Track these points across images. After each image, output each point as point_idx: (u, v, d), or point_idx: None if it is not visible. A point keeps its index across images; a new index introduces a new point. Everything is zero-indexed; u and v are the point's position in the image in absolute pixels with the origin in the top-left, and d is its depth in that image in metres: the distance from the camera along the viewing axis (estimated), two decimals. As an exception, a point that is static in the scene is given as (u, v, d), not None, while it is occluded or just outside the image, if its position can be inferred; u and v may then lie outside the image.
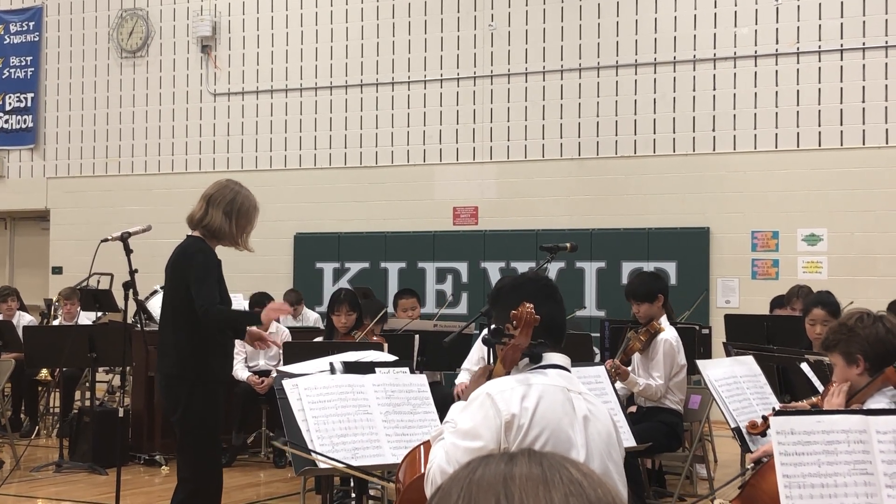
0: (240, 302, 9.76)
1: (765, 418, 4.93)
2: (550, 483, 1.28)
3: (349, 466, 4.58)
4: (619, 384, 6.84)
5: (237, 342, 9.14)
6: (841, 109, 12.01)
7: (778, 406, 5.18)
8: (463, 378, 7.11)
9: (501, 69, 13.47)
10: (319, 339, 8.15)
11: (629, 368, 6.98)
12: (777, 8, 12.30)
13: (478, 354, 7.10)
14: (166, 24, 15.41)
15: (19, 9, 16.33)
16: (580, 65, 13.12)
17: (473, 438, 3.16)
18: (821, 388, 5.28)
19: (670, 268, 12.42)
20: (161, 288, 10.36)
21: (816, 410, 4.15)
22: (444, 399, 6.26)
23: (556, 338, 3.44)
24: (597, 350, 8.46)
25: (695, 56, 12.63)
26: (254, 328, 5.74)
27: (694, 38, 12.64)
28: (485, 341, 3.66)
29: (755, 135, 12.35)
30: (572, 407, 3.25)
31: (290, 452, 4.81)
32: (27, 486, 8.25)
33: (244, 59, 14.89)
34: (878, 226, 11.78)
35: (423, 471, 3.48)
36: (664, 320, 7.15)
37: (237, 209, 5.47)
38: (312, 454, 4.50)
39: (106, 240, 6.62)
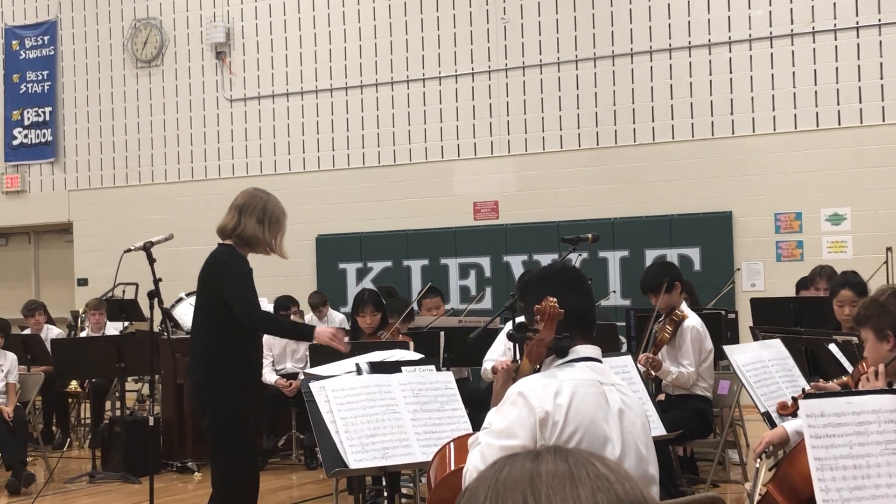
0: (265, 305, 9.77)
1: (794, 399, 4.89)
2: (577, 479, 1.28)
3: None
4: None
5: (264, 347, 9.23)
6: (859, 87, 11.92)
7: (808, 387, 5.14)
8: (488, 367, 7.08)
9: (516, 62, 13.45)
10: (345, 339, 8.13)
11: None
12: (790, -12, 12.23)
13: (502, 346, 7.08)
14: (180, 32, 15.46)
15: (34, 24, 16.42)
16: (595, 54, 13.08)
17: (509, 437, 3.12)
18: (850, 368, 5.23)
19: (694, 254, 12.37)
20: (186, 295, 10.44)
21: (846, 392, 4.12)
22: (471, 395, 6.26)
23: (586, 329, 3.40)
24: (623, 339, 8.43)
25: (710, 40, 12.57)
26: (327, 329, 5.77)
27: (708, 21, 12.58)
28: (510, 336, 3.64)
29: (774, 116, 12.28)
30: (606, 400, 3.22)
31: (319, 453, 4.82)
32: (62, 498, 8.31)
33: (259, 64, 14.93)
34: (902, 202, 11.69)
35: (451, 468, 3.47)
36: (685, 307, 7.13)
37: (269, 216, 5.54)
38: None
39: (129, 250, 6.66)
